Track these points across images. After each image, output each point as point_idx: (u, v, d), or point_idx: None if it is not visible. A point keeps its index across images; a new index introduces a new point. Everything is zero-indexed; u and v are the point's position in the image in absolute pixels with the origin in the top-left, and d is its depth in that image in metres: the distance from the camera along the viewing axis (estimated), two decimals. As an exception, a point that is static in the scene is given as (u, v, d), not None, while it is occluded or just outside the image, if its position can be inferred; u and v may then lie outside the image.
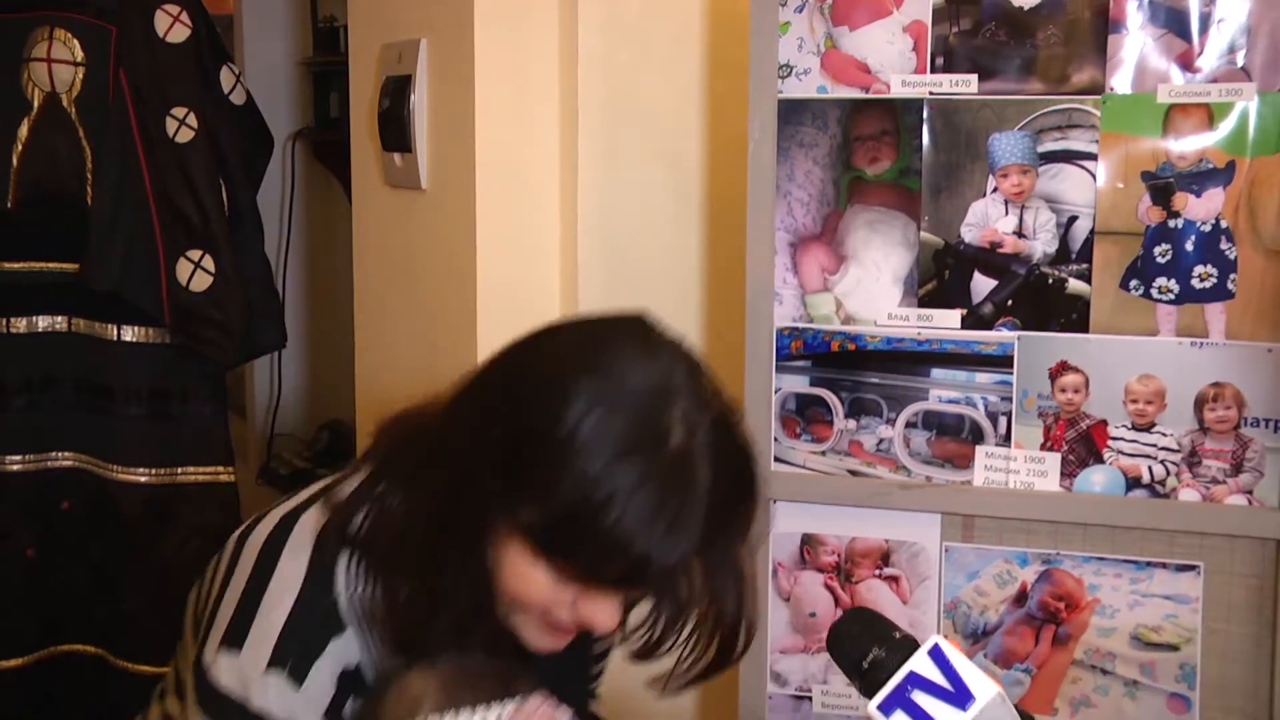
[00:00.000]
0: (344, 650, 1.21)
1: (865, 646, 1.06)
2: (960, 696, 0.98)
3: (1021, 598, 1.82)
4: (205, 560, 2.72)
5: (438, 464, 1.17)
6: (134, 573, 2.73)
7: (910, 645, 1.05)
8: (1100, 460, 1.77)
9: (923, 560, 1.86)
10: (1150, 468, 1.75)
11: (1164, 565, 1.76)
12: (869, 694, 1.03)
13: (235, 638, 1.19)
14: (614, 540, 1.08)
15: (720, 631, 1.24)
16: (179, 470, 2.71)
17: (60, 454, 2.76)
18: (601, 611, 1.15)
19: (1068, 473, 1.78)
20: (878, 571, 1.88)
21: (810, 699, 1.93)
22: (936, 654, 1.00)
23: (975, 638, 1.85)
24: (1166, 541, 1.76)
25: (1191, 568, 1.75)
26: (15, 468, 2.73)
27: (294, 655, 1.18)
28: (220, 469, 2.75)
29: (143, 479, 2.71)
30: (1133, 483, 1.76)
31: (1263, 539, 1.71)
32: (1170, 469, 1.74)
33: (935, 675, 1.00)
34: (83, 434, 2.76)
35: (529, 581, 1.14)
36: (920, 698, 0.99)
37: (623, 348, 1.15)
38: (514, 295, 2.11)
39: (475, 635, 1.17)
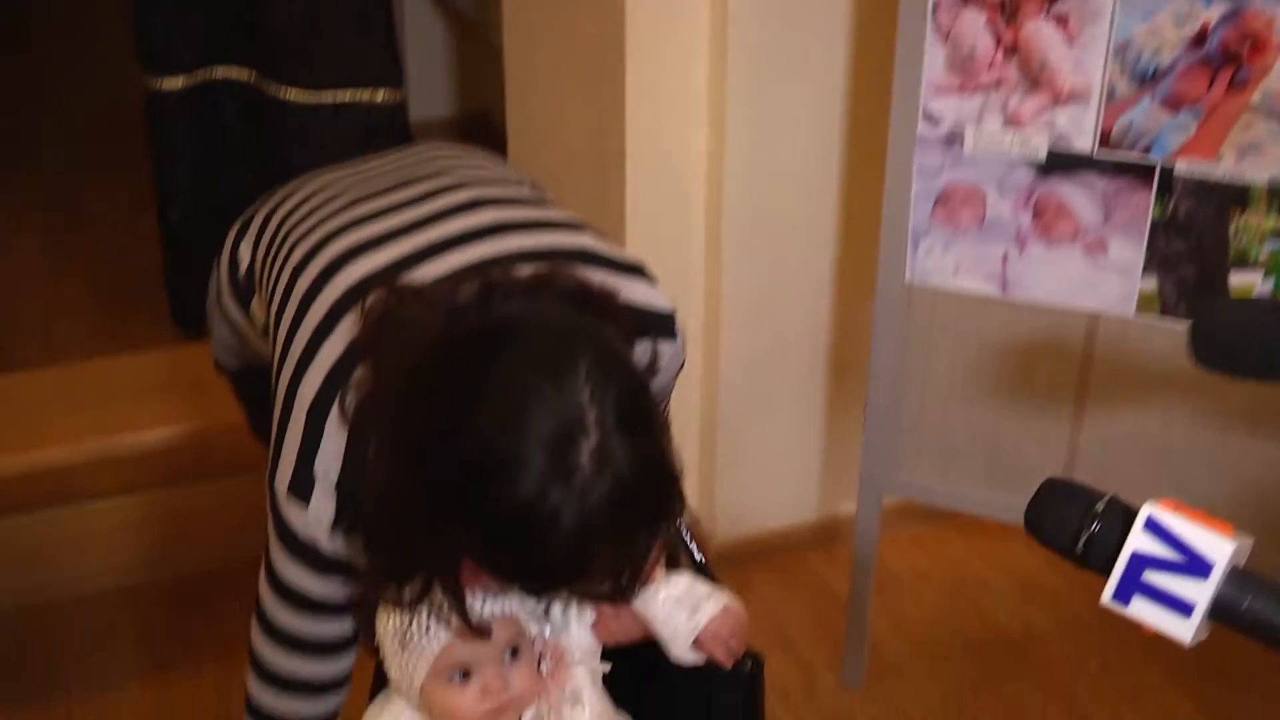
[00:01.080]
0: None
1: (1074, 526, 0.99)
2: (1196, 565, 0.92)
3: (1201, 38, 1.75)
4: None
5: (404, 493, 1.31)
6: (281, 2, 2.70)
7: (1121, 512, 0.97)
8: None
9: (1095, -3, 1.80)
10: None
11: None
12: (1095, 569, 0.97)
13: (301, 491, 1.41)
14: (542, 564, 1.26)
15: (602, 599, 1.41)
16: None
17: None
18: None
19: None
20: (1045, 11, 1.81)
21: (962, 141, 1.93)
22: (1153, 526, 0.93)
23: (1143, 81, 1.81)
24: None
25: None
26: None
27: (340, 515, 1.41)
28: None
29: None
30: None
31: None
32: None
33: (1161, 550, 0.93)
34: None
35: (483, 583, 1.34)
36: (1154, 577, 0.94)
37: (540, 401, 1.25)
38: None
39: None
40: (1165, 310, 1.93)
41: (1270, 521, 1.97)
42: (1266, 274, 1.84)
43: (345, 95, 2.75)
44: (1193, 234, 1.86)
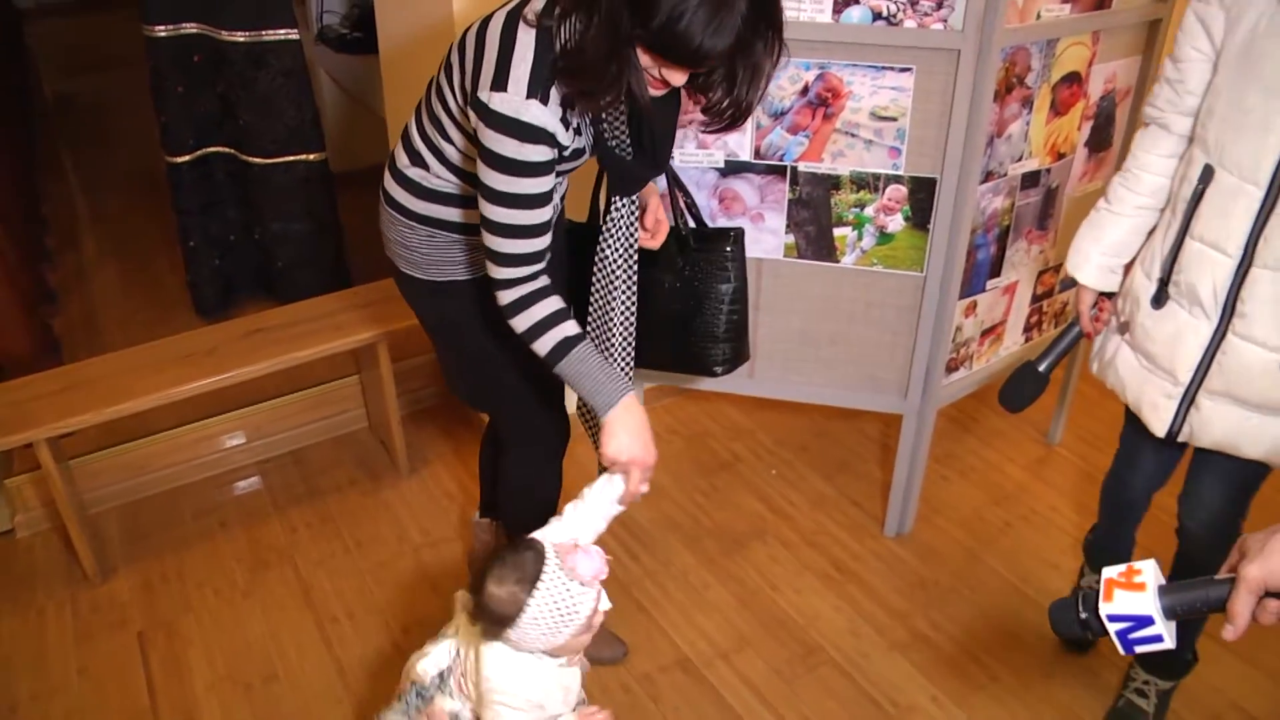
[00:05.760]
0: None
1: (1077, 627, 0.98)
2: (1143, 621, 0.93)
3: (805, 90, 1.80)
4: (291, 93, 2.61)
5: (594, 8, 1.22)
6: (246, 101, 2.62)
7: (1093, 599, 0.96)
8: (858, 2, 1.72)
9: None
10: (888, 6, 1.70)
11: (892, 68, 1.75)
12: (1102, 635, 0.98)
13: (500, 83, 1.25)
14: (685, 41, 1.17)
15: (737, 108, 1.32)
16: (264, 32, 2.54)
17: (186, 25, 2.57)
18: (676, 76, 1.25)
19: (837, 9, 1.73)
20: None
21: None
22: (1111, 617, 0.95)
23: (775, 116, 1.84)
24: (894, 53, 1.74)
25: (908, 69, 1.74)
26: (162, 34, 2.55)
27: (540, 88, 1.25)
28: (290, 31, 2.57)
29: (241, 39, 2.54)
30: (877, 16, 1.72)
31: (949, 50, 1.71)
32: (900, 7, 1.70)
33: (1123, 624, 0.94)
34: (198, 10, 2.56)
35: (647, 63, 1.24)
36: (1131, 635, 0.95)
37: None
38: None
39: (620, 84, 1.24)
40: (800, 255, 1.95)
41: (871, 337, 2.05)
42: (853, 229, 1.89)
43: (289, 158, 2.69)
44: (811, 207, 1.90)
